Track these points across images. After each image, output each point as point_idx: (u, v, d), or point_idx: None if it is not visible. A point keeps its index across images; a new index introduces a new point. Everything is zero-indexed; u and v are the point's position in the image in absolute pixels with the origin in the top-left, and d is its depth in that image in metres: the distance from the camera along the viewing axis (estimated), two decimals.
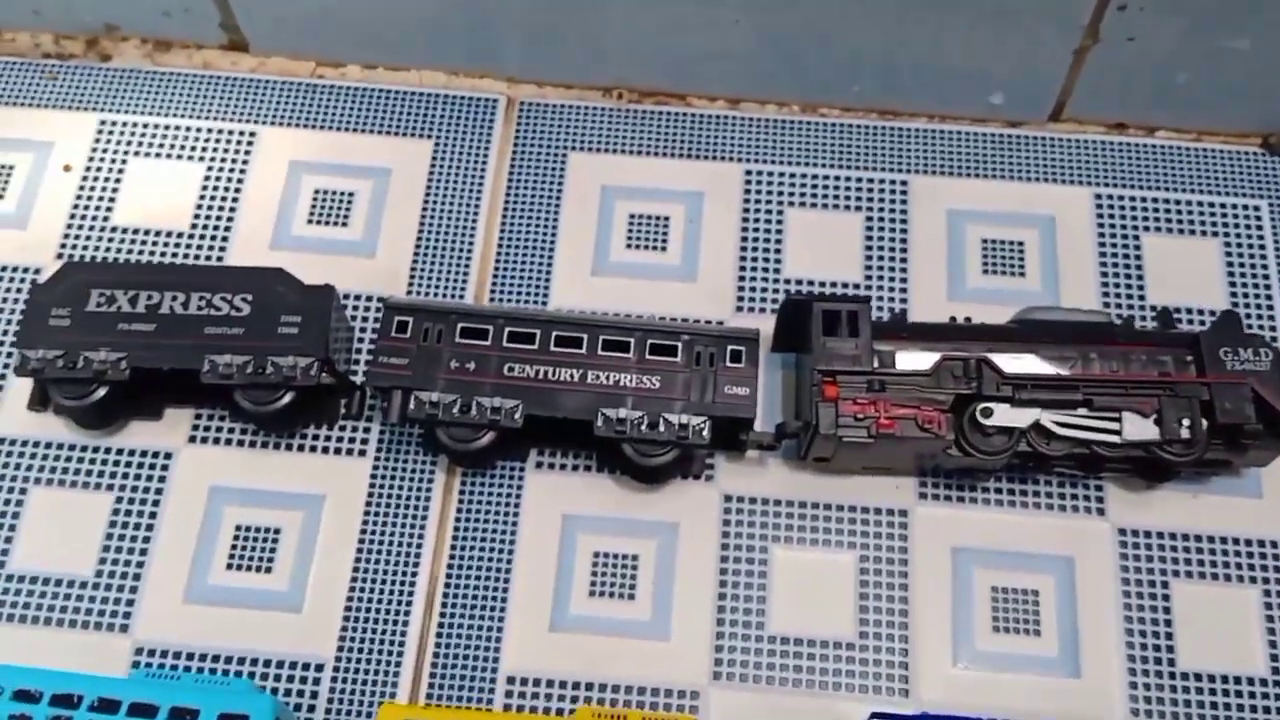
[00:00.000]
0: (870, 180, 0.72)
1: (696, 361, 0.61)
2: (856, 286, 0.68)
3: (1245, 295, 0.68)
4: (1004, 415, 0.59)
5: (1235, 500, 0.63)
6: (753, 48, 0.72)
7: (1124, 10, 0.66)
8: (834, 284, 0.69)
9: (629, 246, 0.70)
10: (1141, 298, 0.68)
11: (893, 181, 0.72)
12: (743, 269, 0.69)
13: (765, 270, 0.69)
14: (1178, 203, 0.71)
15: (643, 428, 0.59)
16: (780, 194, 0.71)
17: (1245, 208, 0.71)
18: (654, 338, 0.61)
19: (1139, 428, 0.60)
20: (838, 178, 0.72)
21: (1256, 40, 0.68)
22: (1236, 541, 0.62)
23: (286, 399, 0.60)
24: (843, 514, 0.62)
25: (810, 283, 0.69)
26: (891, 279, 0.69)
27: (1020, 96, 0.73)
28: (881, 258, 0.69)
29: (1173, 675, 0.59)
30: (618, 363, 0.61)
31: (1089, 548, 0.62)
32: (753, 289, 0.68)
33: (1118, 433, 0.60)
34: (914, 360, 0.61)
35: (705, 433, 0.59)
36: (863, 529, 0.62)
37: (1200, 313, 0.68)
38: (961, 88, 0.73)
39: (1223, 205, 0.71)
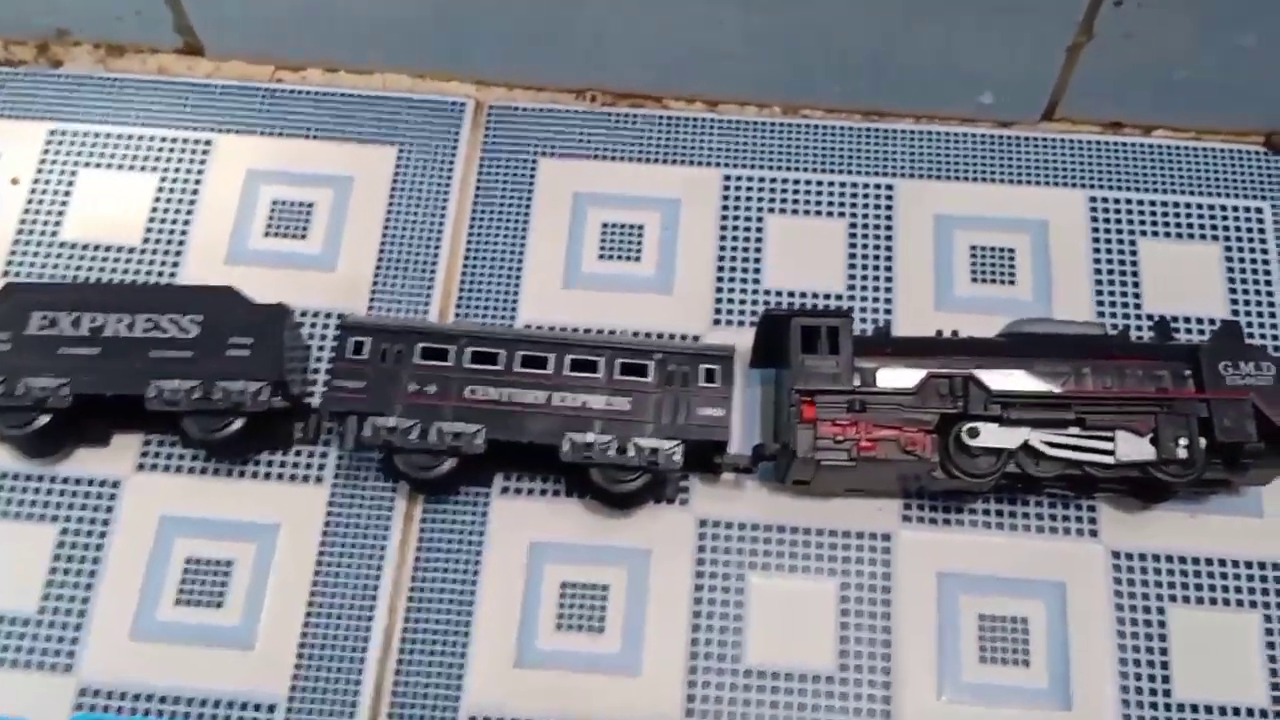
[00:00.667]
0: (854, 185, 0.69)
1: (669, 381, 0.58)
2: (839, 297, 0.65)
3: (1247, 303, 0.65)
4: (991, 435, 0.56)
5: (1235, 520, 0.60)
6: (732, 47, 0.68)
7: (1120, 6, 0.63)
8: (816, 294, 0.65)
9: (602, 257, 0.67)
10: (1138, 307, 0.65)
11: (877, 186, 0.68)
12: (720, 280, 0.66)
13: (744, 281, 0.66)
14: (1176, 205, 0.68)
15: (611, 452, 0.56)
16: (760, 200, 0.68)
17: (1247, 210, 0.68)
18: (624, 357, 0.58)
19: (1133, 447, 0.57)
20: (820, 182, 0.69)
21: (1261, 36, 0.65)
22: (1236, 564, 0.59)
23: (237, 425, 0.57)
24: (823, 539, 0.59)
25: (791, 293, 0.66)
26: (876, 289, 0.66)
27: (1011, 95, 0.70)
28: (865, 266, 0.66)
29: (1168, 707, 0.56)
30: (585, 384, 0.58)
31: (1081, 572, 0.59)
32: (731, 301, 0.65)
33: (1111, 453, 0.57)
34: (897, 378, 0.58)
35: (677, 457, 0.57)
36: (844, 555, 0.59)
37: (1200, 322, 0.65)
38: (950, 86, 0.69)
39: (1223, 207, 0.68)
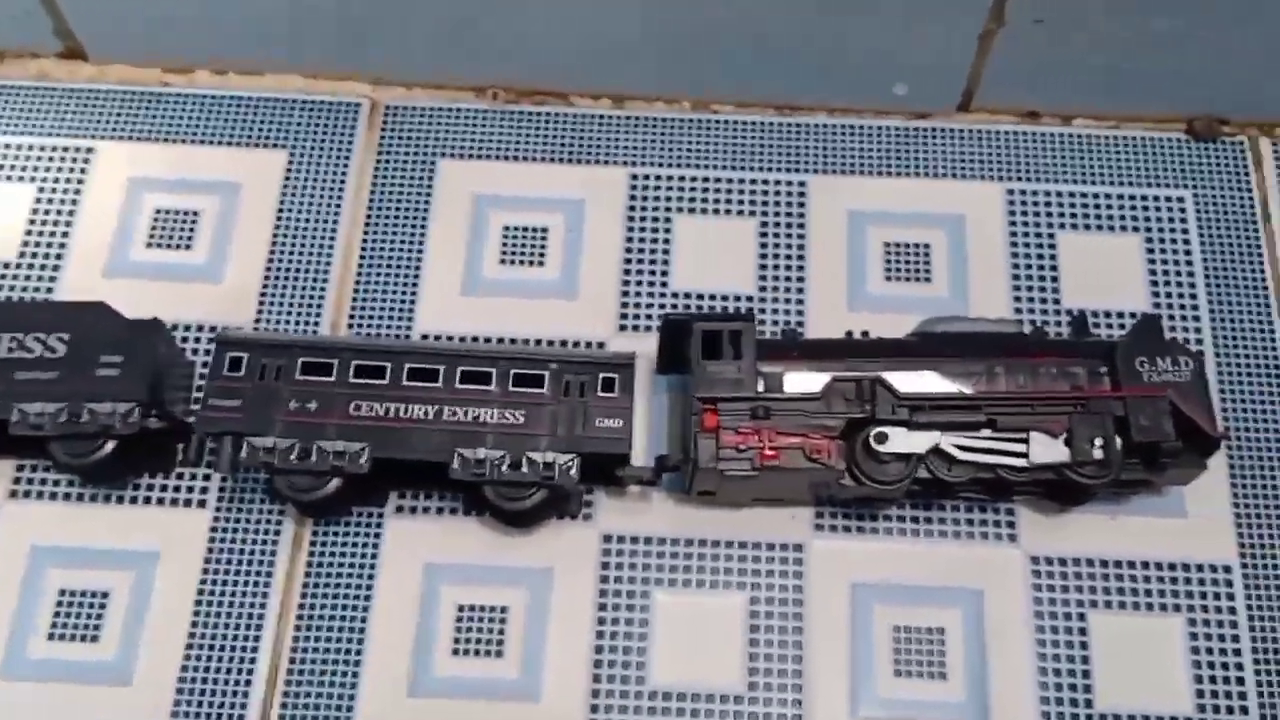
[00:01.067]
0: (765, 181, 0.66)
1: (565, 392, 0.56)
2: (749, 299, 0.63)
3: (1169, 295, 0.63)
4: (899, 440, 0.54)
5: (1157, 521, 0.58)
6: (638, 41, 0.66)
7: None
8: (726, 296, 0.63)
9: (503, 262, 0.64)
10: (1057, 302, 0.63)
11: (790, 182, 0.66)
12: (627, 283, 0.63)
13: (652, 283, 0.63)
14: (1096, 196, 0.66)
15: (504, 468, 0.54)
16: (668, 199, 0.66)
17: (1169, 199, 0.66)
18: (518, 367, 0.56)
19: (1047, 449, 0.55)
20: (730, 180, 0.66)
21: (1177, 20, 0.63)
22: (1159, 566, 0.57)
23: (108, 448, 0.54)
24: (731, 551, 0.57)
25: (700, 296, 0.63)
26: (788, 289, 0.63)
27: (925, 86, 0.67)
28: (777, 266, 0.64)
29: (1090, 718, 0.54)
30: (477, 396, 0.55)
31: (999, 578, 0.57)
32: (639, 304, 0.63)
33: (1025, 455, 0.55)
34: (803, 382, 0.55)
35: (573, 471, 0.54)
36: (754, 567, 0.57)
37: (1121, 316, 0.63)
38: (862, 78, 0.67)
39: (1144, 197, 0.66)
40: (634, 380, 0.56)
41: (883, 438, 0.54)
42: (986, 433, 0.55)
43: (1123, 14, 0.63)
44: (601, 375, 0.56)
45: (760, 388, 0.55)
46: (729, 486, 0.55)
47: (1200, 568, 0.57)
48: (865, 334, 0.59)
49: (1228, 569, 0.57)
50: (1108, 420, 0.55)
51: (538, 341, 0.61)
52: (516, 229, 0.65)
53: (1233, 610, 0.56)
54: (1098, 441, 0.55)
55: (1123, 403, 0.55)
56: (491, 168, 0.66)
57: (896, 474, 0.54)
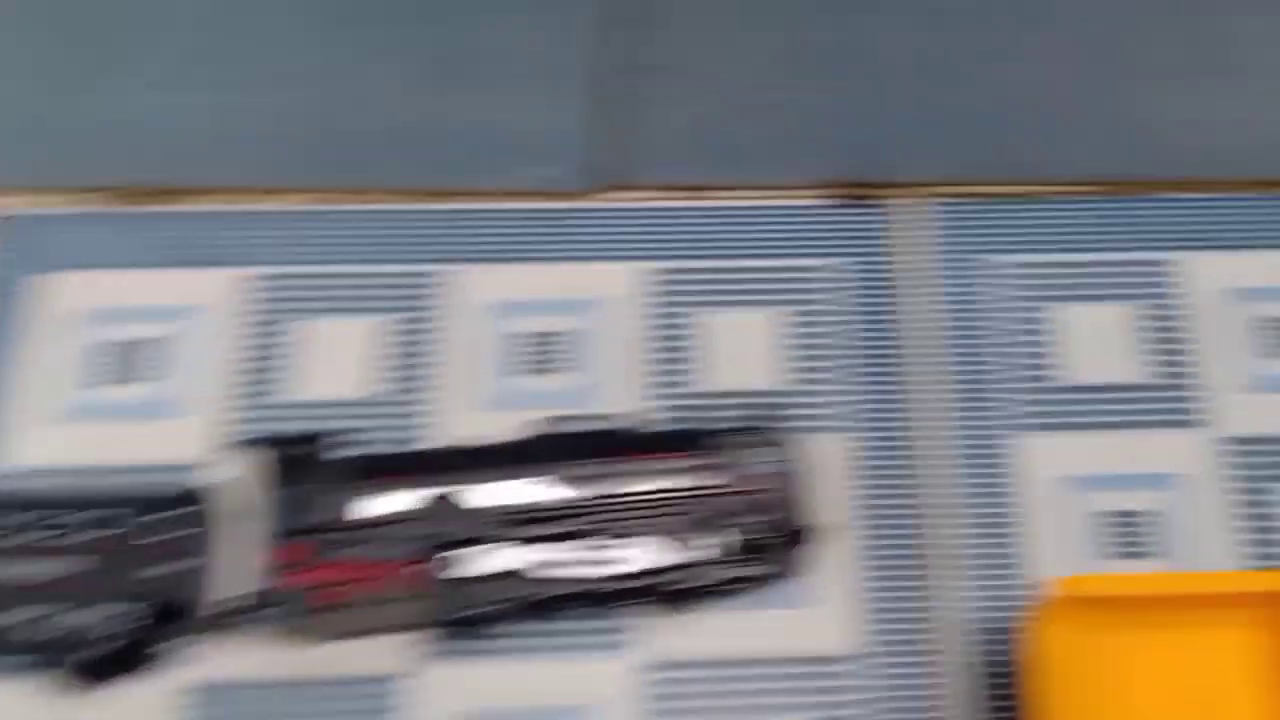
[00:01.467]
0: (399, 275, 0.63)
1: (132, 535, 0.52)
2: (377, 403, 0.60)
3: (815, 370, 0.62)
4: (486, 560, 0.52)
5: (775, 615, 0.55)
6: (258, 133, 0.62)
7: (644, 69, 0.59)
8: (350, 403, 0.60)
9: (110, 382, 0.60)
10: (696, 386, 0.61)
11: (424, 274, 0.63)
12: (246, 397, 0.60)
13: (270, 396, 0.60)
14: (741, 271, 0.64)
15: (54, 628, 0.50)
16: (294, 300, 0.62)
17: (816, 269, 0.65)
18: (77, 511, 0.52)
19: (647, 554, 0.53)
20: (361, 275, 0.63)
21: (819, 87, 0.62)
22: (780, 662, 0.55)
23: None
24: (333, 689, 0.53)
25: (325, 404, 0.59)
26: (418, 392, 0.60)
27: (564, 166, 0.65)
28: (410, 366, 0.61)
29: None
30: (27, 549, 0.51)
31: (613, 693, 0.54)
32: (257, 421, 0.59)
33: (624, 562, 0.53)
34: (387, 503, 0.52)
35: (137, 622, 0.50)
36: (360, 704, 0.53)
37: (762, 396, 0.61)
38: (499, 160, 0.65)
39: (792, 268, 0.65)
40: (210, 516, 0.53)
41: (464, 559, 0.51)
42: (584, 542, 0.53)
43: (758, 90, 0.61)
44: (173, 512, 0.52)
45: (339, 513, 0.52)
46: (319, 622, 0.52)
47: (821, 659, 0.55)
48: (444, 446, 0.56)
49: (853, 659, 0.56)
50: (712, 518, 0.53)
51: (145, 468, 0.57)
52: (128, 344, 0.61)
53: (858, 703, 0.55)
54: (703, 541, 0.53)
55: (728, 498, 0.53)
56: (102, 278, 0.62)
57: (485, 596, 0.52)
